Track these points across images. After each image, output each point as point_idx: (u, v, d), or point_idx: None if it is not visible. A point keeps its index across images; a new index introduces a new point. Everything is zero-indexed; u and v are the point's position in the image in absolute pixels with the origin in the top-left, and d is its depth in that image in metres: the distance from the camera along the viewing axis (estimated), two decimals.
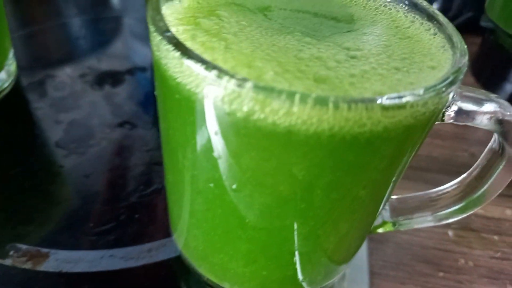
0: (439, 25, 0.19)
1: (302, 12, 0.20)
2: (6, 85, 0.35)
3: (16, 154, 0.31)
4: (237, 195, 0.17)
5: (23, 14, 0.46)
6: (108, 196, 0.29)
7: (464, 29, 0.51)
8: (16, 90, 0.36)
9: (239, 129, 0.14)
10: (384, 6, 0.21)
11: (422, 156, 0.36)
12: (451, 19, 0.50)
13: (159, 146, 0.33)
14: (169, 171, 0.20)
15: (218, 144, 0.15)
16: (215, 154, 0.15)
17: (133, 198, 0.29)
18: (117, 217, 0.27)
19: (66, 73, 0.38)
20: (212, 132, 0.15)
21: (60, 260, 0.25)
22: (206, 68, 0.13)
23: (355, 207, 0.18)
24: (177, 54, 0.14)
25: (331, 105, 0.13)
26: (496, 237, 0.30)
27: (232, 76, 0.13)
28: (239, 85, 0.13)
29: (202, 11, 0.18)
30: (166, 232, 0.27)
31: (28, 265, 0.25)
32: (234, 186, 0.16)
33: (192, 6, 0.18)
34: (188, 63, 0.14)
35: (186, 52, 0.14)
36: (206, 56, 0.14)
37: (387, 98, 0.13)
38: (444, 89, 0.14)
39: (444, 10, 0.52)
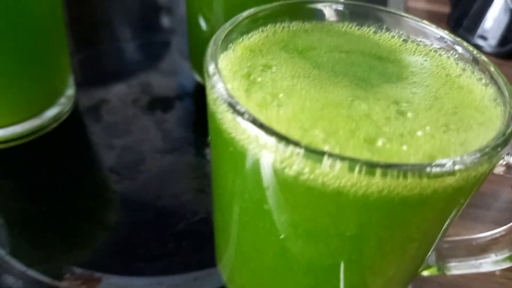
0: (491, 76, 0.18)
1: (351, 55, 0.21)
2: (66, 109, 0.38)
3: (72, 178, 0.33)
4: (285, 244, 0.17)
5: (79, 39, 0.49)
6: (158, 223, 0.30)
7: None
8: (75, 113, 0.38)
9: (288, 186, 0.15)
10: (434, 51, 0.21)
11: (483, 193, 0.35)
12: (504, 43, 0.49)
13: (206, 173, 0.34)
14: (218, 211, 0.21)
15: (268, 198, 0.16)
16: (265, 206, 0.16)
17: (181, 226, 0.30)
18: (165, 245, 0.29)
19: (119, 98, 0.40)
20: (262, 185, 0.16)
21: (112, 285, 0.26)
22: (259, 128, 0.14)
23: (403, 259, 0.18)
24: (232, 114, 0.15)
25: (379, 172, 0.13)
26: None
27: (283, 138, 0.14)
28: (291, 149, 0.14)
29: (255, 62, 0.19)
30: (212, 260, 0.28)
31: None
32: (281, 237, 0.17)
33: (245, 55, 0.19)
34: (242, 122, 0.15)
35: (239, 113, 0.15)
36: (260, 116, 0.15)
37: (436, 166, 0.13)
38: (495, 152, 0.14)
39: (494, 34, 0.51)
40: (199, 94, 0.42)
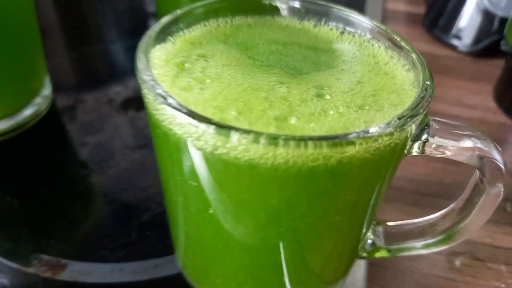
0: (412, 62, 0.20)
1: (288, 46, 0.22)
2: (42, 109, 0.39)
3: (44, 174, 0.34)
4: (214, 219, 0.18)
5: (57, 41, 0.50)
6: (123, 214, 0.31)
7: (490, 52, 0.50)
8: (51, 114, 0.40)
9: (207, 162, 0.16)
10: (367, 42, 0.22)
11: (433, 182, 0.36)
12: (478, 42, 0.50)
13: None
14: (164, 195, 0.22)
15: (192, 174, 0.17)
16: (190, 182, 0.17)
17: (145, 216, 0.31)
18: (129, 234, 0.30)
19: (95, 98, 0.42)
20: (186, 162, 0.17)
21: (76, 271, 0.27)
22: (174, 109, 0.15)
23: (332, 231, 0.19)
24: (152, 96, 0.16)
25: (281, 143, 0.14)
26: (503, 268, 0.30)
27: (195, 117, 0.15)
28: (203, 126, 0.15)
29: (191, 53, 0.20)
30: (172, 249, 0.29)
31: (48, 274, 0.27)
32: (211, 211, 0.18)
33: (183, 47, 0.21)
34: (161, 104, 0.16)
35: (158, 95, 0.16)
36: (180, 98, 0.16)
37: (334, 137, 0.14)
38: (396, 125, 0.15)
39: (468, 34, 0.52)
40: None
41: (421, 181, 0.36)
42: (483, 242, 0.31)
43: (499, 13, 0.50)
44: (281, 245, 0.19)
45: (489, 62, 0.51)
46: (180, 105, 0.15)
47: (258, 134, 0.14)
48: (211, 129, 0.15)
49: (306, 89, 0.18)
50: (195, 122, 0.15)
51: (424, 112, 0.17)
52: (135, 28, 0.55)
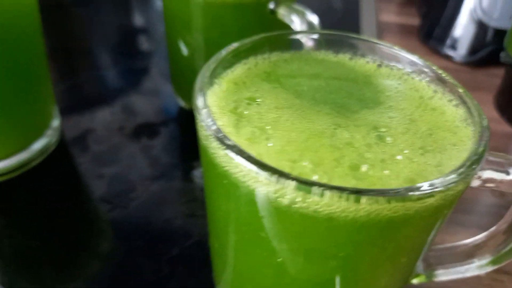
0: (459, 97, 0.20)
1: (330, 81, 0.22)
2: (53, 141, 0.38)
3: (63, 210, 0.33)
4: (282, 267, 0.18)
5: (59, 69, 0.49)
6: (152, 249, 0.30)
7: (487, 62, 0.52)
8: (62, 145, 0.39)
9: (282, 214, 0.16)
10: (407, 75, 0.22)
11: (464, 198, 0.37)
12: (473, 52, 0.51)
13: (195, 197, 0.35)
14: (214, 238, 0.22)
15: (263, 225, 0.17)
16: (262, 234, 0.17)
17: (175, 250, 0.30)
18: (160, 270, 0.29)
19: (105, 126, 0.41)
20: (259, 216, 0.16)
21: None
22: (251, 163, 0.15)
23: (393, 271, 0.19)
24: (225, 150, 0.16)
25: (365, 199, 0.14)
26: None
27: (275, 171, 0.15)
28: (283, 181, 0.15)
29: (240, 95, 0.20)
30: (208, 283, 0.28)
31: None
32: (279, 260, 0.18)
33: (229, 89, 0.20)
34: (236, 158, 0.16)
35: (233, 150, 0.16)
36: (251, 151, 0.16)
37: (416, 191, 0.14)
38: (469, 171, 0.16)
39: (463, 44, 0.53)
40: (182, 118, 0.43)
41: None
42: None
43: (493, 23, 0.51)
44: (339, 283, 0.19)
45: (486, 72, 0.52)
46: (258, 161, 0.15)
47: (342, 190, 0.14)
48: (292, 184, 0.15)
49: (367, 132, 0.18)
50: (274, 177, 0.15)
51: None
52: (128, 49, 0.54)
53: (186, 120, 0.42)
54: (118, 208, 0.33)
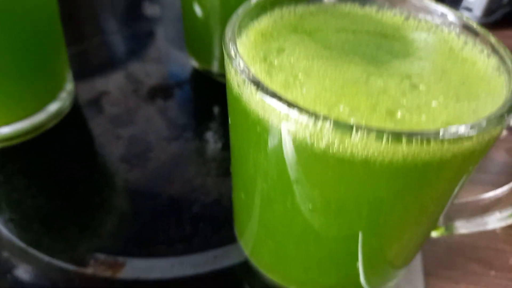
0: (491, 46, 0.20)
1: (358, 34, 0.22)
2: (67, 104, 0.38)
3: (82, 170, 0.33)
4: (311, 215, 0.18)
5: (71, 33, 0.49)
6: (173, 208, 0.31)
7: (502, 23, 0.51)
8: (75, 108, 0.39)
9: (318, 159, 0.16)
10: (436, 27, 0.22)
11: None
12: (489, 14, 0.50)
13: (214, 157, 0.35)
14: (241, 190, 0.22)
15: (297, 171, 0.17)
16: (293, 179, 0.17)
17: (196, 208, 0.31)
18: (183, 227, 0.30)
19: (119, 89, 0.41)
20: (292, 161, 0.17)
21: (136, 269, 0.27)
22: (289, 107, 0.15)
23: (419, 222, 0.19)
24: (260, 94, 0.16)
25: (404, 140, 0.14)
26: None
27: (313, 114, 0.15)
28: (321, 122, 0.15)
29: (268, 45, 0.20)
30: (229, 239, 0.29)
31: (108, 273, 0.27)
32: (310, 207, 0.18)
33: (257, 40, 0.20)
34: (271, 102, 0.16)
35: (268, 92, 0.15)
36: (286, 95, 0.16)
37: (454, 133, 0.14)
38: (504, 117, 0.16)
39: (478, 5, 0.52)
40: (196, 79, 0.42)
41: None
42: None
43: None
44: (370, 236, 0.19)
45: (501, 33, 0.52)
46: (296, 104, 0.15)
47: (381, 132, 0.14)
48: (331, 126, 0.15)
49: (400, 80, 0.18)
50: (312, 120, 0.15)
51: None
52: (139, 13, 0.54)
53: (200, 82, 0.42)
54: (137, 168, 0.34)
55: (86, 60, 0.45)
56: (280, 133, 0.16)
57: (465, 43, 0.21)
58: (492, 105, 0.17)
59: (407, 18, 0.23)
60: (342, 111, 0.16)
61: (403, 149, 0.15)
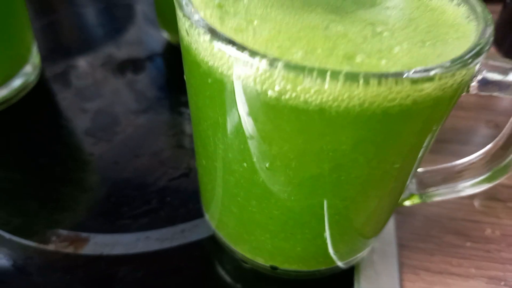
0: None
1: None
2: (32, 78, 0.36)
3: (46, 144, 0.32)
4: (270, 174, 0.17)
5: (39, 4, 0.47)
6: (139, 181, 0.30)
7: None
8: (42, 82, 0.37)
9: (271, 109, 0.15)
10: None
11: (446, 128, 0.36)
12: None
13: (183, 130, 0.34)
14: (202, 155, 0.21)
15: (251, 125, 0.16)
16: (248, 135, 0.16)
17: (163, 182, 0.30)
18: (149, 201, 0.28)
19: (87, 62, 0.39)
20: (245, 113, 0.15)
21: (99, 244, 0.26)
22: (238, 49, 0.14)
23: (384, 182, 0.18)
24: (208, 38, 0.14)
25: (361, 81, 0.13)
26: None
27: (263, 56, 0.13)
28: (271, 65, 0.13)
29: None
30: (197, 213, 0.28)
31: (70, 249, 0.26)
32: (267, 165, 0.17)
33: None
34: (220, 46, 0.14)
35: (217, 36, 0.14)
36: (237, 39, 0.15)
37: (415, 72, 0.13)
38: (471, 60, 0.15)
39: None
40: (169, 52, 0.41)
41: None
42: (502, 183, 0.32)
43: None
44: (330, 198, 0.18)
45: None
46: (245, 45, 0.14)
47: (336, 72, 0.13)
48: (282, 69, 0.13)
49: (363, 27, 0.17)
50: (262, 62, 0.13)
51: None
52: None
53: (172, 55, 0.40)
54: (102, 142, 0.32)
55: (55, 33, 0.43)
56: (231, 82, 0.15)
57: None
58: (459, 49, 0.16)
59: None
60: (296, 55, 0.14)
61: (359, 93, 0.13)
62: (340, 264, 0.24)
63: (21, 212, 0.28)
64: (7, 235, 0.26)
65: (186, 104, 0.35)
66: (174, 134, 0.33)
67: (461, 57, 0.14)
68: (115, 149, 0.32)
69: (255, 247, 0.23)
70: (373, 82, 0.13)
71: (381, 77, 0.13)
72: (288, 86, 0.14)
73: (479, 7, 0.18)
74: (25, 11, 0.35)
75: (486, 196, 0.31)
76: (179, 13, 0.16)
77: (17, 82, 0.35)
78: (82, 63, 0.39)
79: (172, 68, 0.39)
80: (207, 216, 0.26)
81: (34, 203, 0.28)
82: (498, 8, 0.47)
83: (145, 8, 0.47)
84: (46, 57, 0.39)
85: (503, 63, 0.18)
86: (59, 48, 0.41)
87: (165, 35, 0.41)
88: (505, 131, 0.22)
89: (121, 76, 0.38)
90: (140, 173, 0.30)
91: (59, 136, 0.33)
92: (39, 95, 0.36)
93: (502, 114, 0.37)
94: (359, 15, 0.18)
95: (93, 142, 0.32)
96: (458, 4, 0.19)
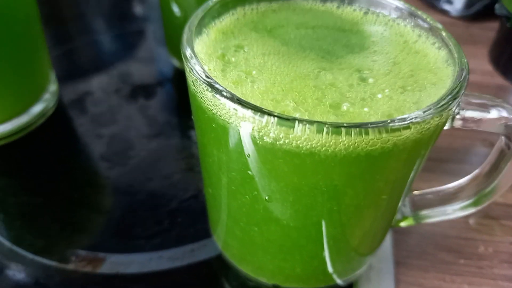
0: (442, 39, 0.20)
1: (317, 29, 0.22)
2: (51, 105, 0.39)
3: (64, 169, 0.34)
4: (269, 205, 0.19)
5: (55, 33, 0.49)
6: (152, 203, 0.32)
7: (482, 15, 0.51)
8: (59, 108, 0.39)
9: (268, 152, 0.17)
10: (393, 21, 0.23)
11: (442, 147, 0.38)
12: (469, 6, 0.51)
13: (193, 154, 0.36)
14: (208, 185, 0.23)
15: (251, 164, 0.18)
16: (249, 172, 0.18)
17: (174, 203, 0.32)
18: (161, 222, 0.31)
19: (102, 89, 0.41)
20: (245, 154, 0.17)
21: (115, 263, 0.28)
22: (236, 104, 0.16)
23: (375, 209, 0.20)
24: (211, 92, 0.16)
25: (344, 131, 0.15)
26: None
27: (258, 110, 0.15)
28: (266, 118, 0.15)
29: (228, 43, 0.20)
30: (206, 233, 0.30)
31: (88, 269, 0.28)
32: (266, 198, 0.19)
33: (218, 38, 0.21)
34: (221, 99, 0.16)
35: (218, 91, 0.16)
36: (236, 92, 0.17)
37: (392, 121, 0.15)
38: (445, 106, 0.16)
39: (459, 0, 0.53)
40: (178, 78, 0.43)
41: None
42: (496, 201, 0.33)
43: None
44: (325, 225, 0.20)
45: (482, 25, 0.52)
46: (242, 100, 0.16)
47: (321, 124, 0.15)
48: (275, 121, 0.15)
49: (350, 74, 0.18)
50: (258, 115, 0.15)
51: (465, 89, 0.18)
52: (122, 13, 0.54)
53: (182, 80, 0.42)
54: (117, 166, 0.34)
55: (71, 61, 0.46)
56: (232, 129, 0.17)
57: (419, 36, 0.21)
58: (435, 95, 0.17)
59: (366, 13, 0.23)
60: (288, 105, 0.16)
61: (344, 140, 0.15)
62: (339, 281, 0.26)
63: (43, 234, 0.30)
64: (30, 255, 0.29)
65: (193, 128, 0.37)
66: (184, 157, 0.35)
67: (435, 104, 0.16)
68: (129, 173, 0.34)
69: (257, 267, 0.25)
70: (354, 132, 0.15)
71: (361, 127, 0.15)
72: (281, 135, 0.16)
73: (455, 52, 0.19)
74: (43, 41, 0.38)
75: (480, 214, 0.32)
76: (186, 66, 0.18)
77: (36, 109, 0.38)
78: (96, 90, 0.41)
79: (181, 94, 0.41)
80: (214, 237, 0.28)
81: (55, 225, 0.31)
82: (497, 25, 0.48)
83: (156, 34, 0.49)
84: (64, 85, 0.41)
85: (484, 100, 0.20)
86: (75, 75, 0.43)
87: (174, 61, 0.43)
88: (490, 158, 0.24)
89: (133, 102, 0.40)
90: (152, 196, 0.32)
91: (76, 161, 0.35)
92: (57, 121, 0.38)
93: (497, 134, 0.39)
94: (348, 60, 0.20)
95: (108, 167, 0.34)
96: (439, 48, 0.20)
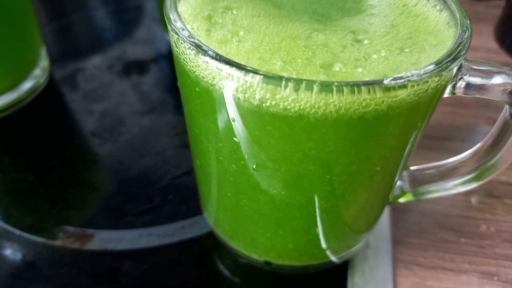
0: (444, 1, 0.19)
1: None
2: (41, 81, 0.38)
3: (54, 146, 0.33)
4: (257, 174, 0.18)
5: (48, 9, 0.48)
6: (143, 180, 0.31)
7: None
8: (50, 84, 0.38)
9: (254, 115, 0.16)
10: None
11: (444, 125, 0.37)
12: None
13: (185, 130, 0.35)
14: (196, 156, 0.22)
15: (238, 130, 0.17)
16: (235, 139, 0.17)
17: (166, 180, 0.31)
18: (152, 199, 0.30)
19: (94, 65, 0.40)
20: (231, 119, 0.16)
21: (104, 240, 0.27)
22: (220, 62, 0.15)
23: (369, 181, 0.19)
24: (194, 51, 0.15)
25: (335, 90, 0.14)
26: None
27: (243, 69, 0.14)
28: (251, 77, 0.14)
29: (215, 5, 0.19)
30: (197, 210, 0.29)
31: (76, 245, 0.27)
32: (254, 166, 0.18)
33: (205, 0, 0.20)
34: (204, 59, 0.15)
35: (201, 49, 0.15)
36: (220, 51, 0.16)
37: (387, 80, 0.14)
38: (445, 66, 0.15)
39: None
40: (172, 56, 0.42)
41: (432, 126, 0.36)
42: (498, 180, 0.32)
43: None
44: (317, 196, 0.19)
45: (487, 3, 0.51)
46: (226, 58, 0.15)
47: (310, 82, 0.14)
48: (260, 80, 0.14)
49: (344, 35, 0.17)
50: (242, 74, 0.14)
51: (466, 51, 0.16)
52: None
53: None
54: (108, 142, 0.33)
55: (64, 37, 0.44)
56: (216, 91, 0.16)
57: None
58: (435, 56, 0.16)
59: None
60: (275, 64, 0.15)
61: (335, 101, 0.14)
62: (333, 258, 0.25)
63: (32, 211, 0.29)
64: (18, 232, 0.28)
65: None
66: (177, 134, 0.34)
67: (435, 64, 0.15)
68: (121, 149, 0.33)
69: (249, 243, 0.24)
70: (346, 90, 0.14)
71: (354, 85, 0.14)
72: (268, 95, 0.15)
73: (458, 13, 0.18)
74: (33, 16, 0.36)
75: (483, 192, 0.31)
76: (168, 27, 0.17)
77: (26, 85, 0.37)
78: (89, 65, 0.40)
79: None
80: (205, 214, 0.27)
81: (44, 202, 0.30)
82: (502, 2, 0.47)
83: (152, 10, 0.48)
84: (56, 61, 0.40)
85: (488, 66, 0.18)
86: (68, 51, 0.42)
87: (168, 37, 0.42)
88: (493, 131, 0.23)
89: (126, 78, 0.39)
90: (144, 172, 0.31)
91: (67, 137, 0.34)
92: (48, 97, 0.37)
93: (501, 111, 0.37)
94: (342, 23, 0.19)
95: (99, 143, 0.33)
96: (440, 10, 0.19)
